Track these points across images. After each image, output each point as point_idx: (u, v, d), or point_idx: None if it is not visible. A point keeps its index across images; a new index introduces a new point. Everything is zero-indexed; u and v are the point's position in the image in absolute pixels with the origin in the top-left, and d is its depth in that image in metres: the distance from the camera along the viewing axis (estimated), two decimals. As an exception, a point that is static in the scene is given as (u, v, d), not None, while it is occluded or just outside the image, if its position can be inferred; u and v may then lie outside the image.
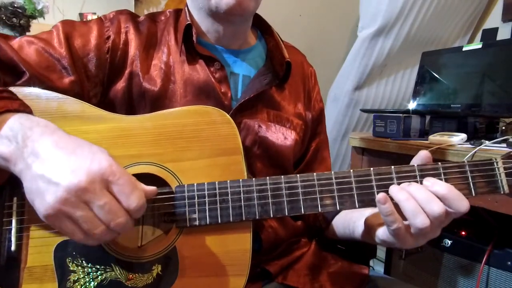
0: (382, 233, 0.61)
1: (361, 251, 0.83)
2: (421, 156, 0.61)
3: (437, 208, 0.55)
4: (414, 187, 0.57)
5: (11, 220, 0.59)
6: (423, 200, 0.55)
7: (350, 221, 0.75)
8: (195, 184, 0.61)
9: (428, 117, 1.35)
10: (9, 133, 0.52)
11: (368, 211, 0.68)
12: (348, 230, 0.75)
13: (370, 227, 0.66)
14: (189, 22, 0.75)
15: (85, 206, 0.48)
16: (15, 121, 0.53)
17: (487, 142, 1.02)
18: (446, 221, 0.58)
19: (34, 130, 0.52)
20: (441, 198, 0.55)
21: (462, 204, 0.55)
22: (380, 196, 0.57)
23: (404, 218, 0.57)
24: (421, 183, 0.59)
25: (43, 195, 0.48)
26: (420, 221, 0.55)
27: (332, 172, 0.61)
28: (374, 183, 0.60)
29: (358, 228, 0.71)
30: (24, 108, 0.56)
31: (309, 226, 0.87)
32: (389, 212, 0.56)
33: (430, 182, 0.57)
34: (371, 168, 0.60)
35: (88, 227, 0.49)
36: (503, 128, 1.22)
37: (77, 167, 0.48)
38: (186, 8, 0.80)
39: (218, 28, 0.77)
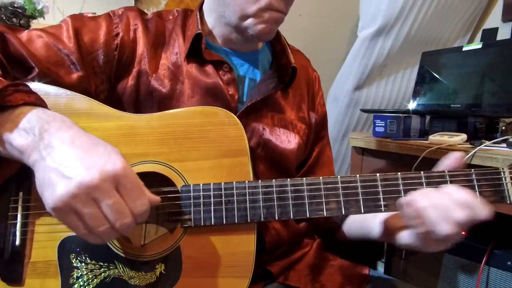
0: (406, 236, 0.61)
1: (368, 253, 0.83)
2: (453, 157, 0.61)
3: (461, 215, 0.54)
4: (437, 194, 0.57)
5: (16, 215, 0.60)
6: (446, 207, 0.55)
7: (365, 220, 0.75)
8: (201, 184, 0.61)
9: (428, 117, 1.35)
10: (27, 126, 0.52)
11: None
12: (363, 230, 0.75)
13: (391, 229, 0.65)
14: (199, 32, 0.75)
15: (94, 204, 0.49)
16: (32, 114, 0.53)
17: (487, 142, 1.02)
18: (467, 226, 0.57)
19: (51, 124, 0.52)
20: (463, 206, 0.55)
21: (484, 211, 0.55)
22: (404, 199, 0.57)
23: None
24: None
25: (54, 187, 0.48)
26: (444, 228, 0.54)
27: (338, 176, 0.61)
28: (380, 189, 0.60)
29: (375, 229, 0.71)
30: (40, 102, 0.56)
31: (317, 226, 0.87)
32: (415, 215, 0.56)
33: (452, 189, 0.57)
34: (377, 174, 0.60)
35: (93, 224, 0.49)
36: (503, 128, 1.22)
37: (91, 165, 0.49)
38: (197, 12, 0.79)
39: (232, 36, 0.78)
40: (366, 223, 0.75)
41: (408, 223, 0.58)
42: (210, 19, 0.79)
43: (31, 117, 0.53)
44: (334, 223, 0.85)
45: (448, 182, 0.59)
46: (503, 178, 0.60)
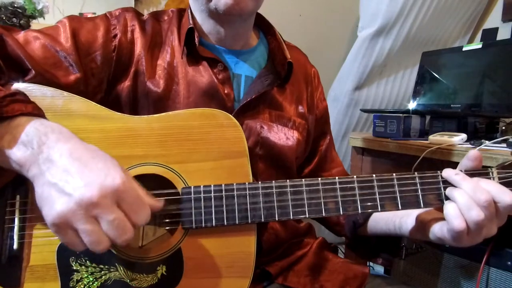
0: (438, 230, 0.62)
1: (386, 250, 0.84)
2: (470, 156, 0.62)
3: (484, 196, 0.56)
4: (460, 177, 0.59)
5: (14, 218, 0.59)
6: (470, 190, 0.57)
7: (395, 217, 0.74)
8: (201, 186, 0.61)
9: (428, 117, 1.35)
10: (25, 139, 0.52)
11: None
12: (393, 226, 0.74)
13: (423, 223, 0.66)
14: (191, 26, 0.75)
15: (93, 220, 0.48)
16: (30, 126, 0.52)
17: (487, 142, 1.02)
18: (499, 217, 0.58)
19: (49, 136, 0.52)
20: (485, 191, 0.57)
21: (508, 195, 0.57)
22: (447, 202, 0.59)
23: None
24: (421, 190, 0.61)
25: (53, 203, 0.48)
26: (475, 213, 0.56)
27: (336, 177, 0.62)
28: (376, 190, 0.61)
29: (407, 224, 0.70)
30: (37, 112, 0.56)
31: (336, 222, 0.86)
32: (456, 215, 0.57)
33: (476, 179, 0.59)
34: (374, 175, 0.62)
35: (92, 241, 0.48)
36: (503, 128, 1.22)
37: (91, 181, 0.48)
38: (189, 10, 0.80)
39: (220, 30, 0.77)
40: (396, 219, 0.74)
41: (450, 223, 0.58)
42: (197, 16, 0.79)
43: (29, 130, 0.52)
44: (361, 216, 0.83)
45: (441, 182, 0.61)
46: (491, 178, 0.61)
